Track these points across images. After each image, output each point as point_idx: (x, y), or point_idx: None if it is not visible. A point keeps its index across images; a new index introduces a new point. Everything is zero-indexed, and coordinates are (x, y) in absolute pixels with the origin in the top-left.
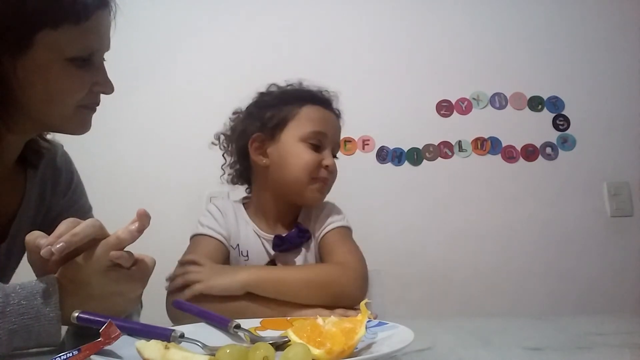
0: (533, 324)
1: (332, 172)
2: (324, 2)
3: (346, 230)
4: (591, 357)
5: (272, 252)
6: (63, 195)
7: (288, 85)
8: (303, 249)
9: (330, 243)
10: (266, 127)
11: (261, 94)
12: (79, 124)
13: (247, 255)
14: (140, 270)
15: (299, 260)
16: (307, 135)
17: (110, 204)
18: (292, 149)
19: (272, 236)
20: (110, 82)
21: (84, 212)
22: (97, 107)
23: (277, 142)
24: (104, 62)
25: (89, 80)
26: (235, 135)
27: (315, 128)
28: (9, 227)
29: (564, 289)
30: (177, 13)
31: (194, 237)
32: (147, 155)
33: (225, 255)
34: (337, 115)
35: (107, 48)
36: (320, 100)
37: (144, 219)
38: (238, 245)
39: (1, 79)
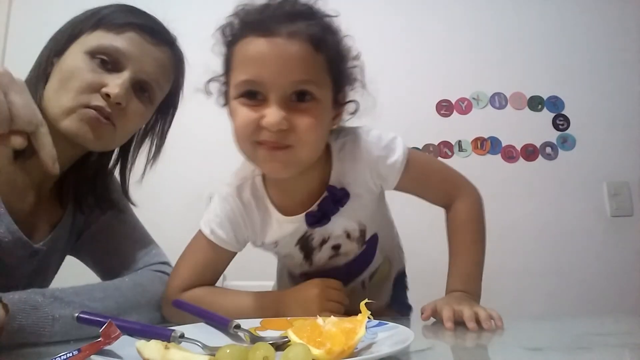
0: (533, 324)
1: (278, 131)
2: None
3: (411, 161)
4: (591, 357)
5: (304, 229)
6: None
7: (236, 8)
8: (342, 210)
9: (416, 181)
10: (224, 81)
11: (218, 30)
12: (75, 123)
13: (277, 243)
14: None
15: (343, 221)
16: (237, 89)
17: None
18: (231, 110)
19: (299, 216)
20: (119, 87)
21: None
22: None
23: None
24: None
25: (99, 78)
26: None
27: (244, 76)
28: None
29: (563, 289)
30: (180, 10)
31: (199, 235)
32: (146, 155)
33: (228, 259)
34: (294, 32)
35: (140, 68)
36: (256, 25)
37: None
38: (263, 243)
39: (47, 79)
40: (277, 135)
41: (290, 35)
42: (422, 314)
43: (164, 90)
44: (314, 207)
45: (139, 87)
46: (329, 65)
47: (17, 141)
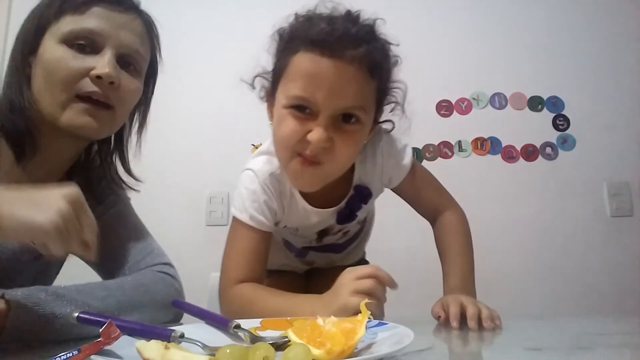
0: (533, 324)
1: (320, 147)
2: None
3: (415, 168)
4: (591, 357)
5: (330, 223)
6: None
7: (299, 17)
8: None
9: (414, 186)
10: (272, 82)
11: (277, 31)
12: (74, 117)
13: (297, 229)
14: None
15: (360, 214)
16: (289, 100)
17: None
18: (278, 115)
19: (323, 210)
20: (108, 66)
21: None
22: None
23: (274, 103)
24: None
25: (83, 63)
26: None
27: (299, 91)
28: None
29: (564, 289)
30: (179, 12)
31: (236, 222)
32: (147, 156)
33: (269, 242)
34: (356, 58)
35: (119, 42)
36: (316, 41)
37: None
38: (286, 226)
39: (28, 81)
40: (317, 151)
41: (351, 60)
42: (438, 318)
43: (146, 58)
44: (342, 204)
45: (123, 62)
46: (378, 90)
47: (80, 252)
